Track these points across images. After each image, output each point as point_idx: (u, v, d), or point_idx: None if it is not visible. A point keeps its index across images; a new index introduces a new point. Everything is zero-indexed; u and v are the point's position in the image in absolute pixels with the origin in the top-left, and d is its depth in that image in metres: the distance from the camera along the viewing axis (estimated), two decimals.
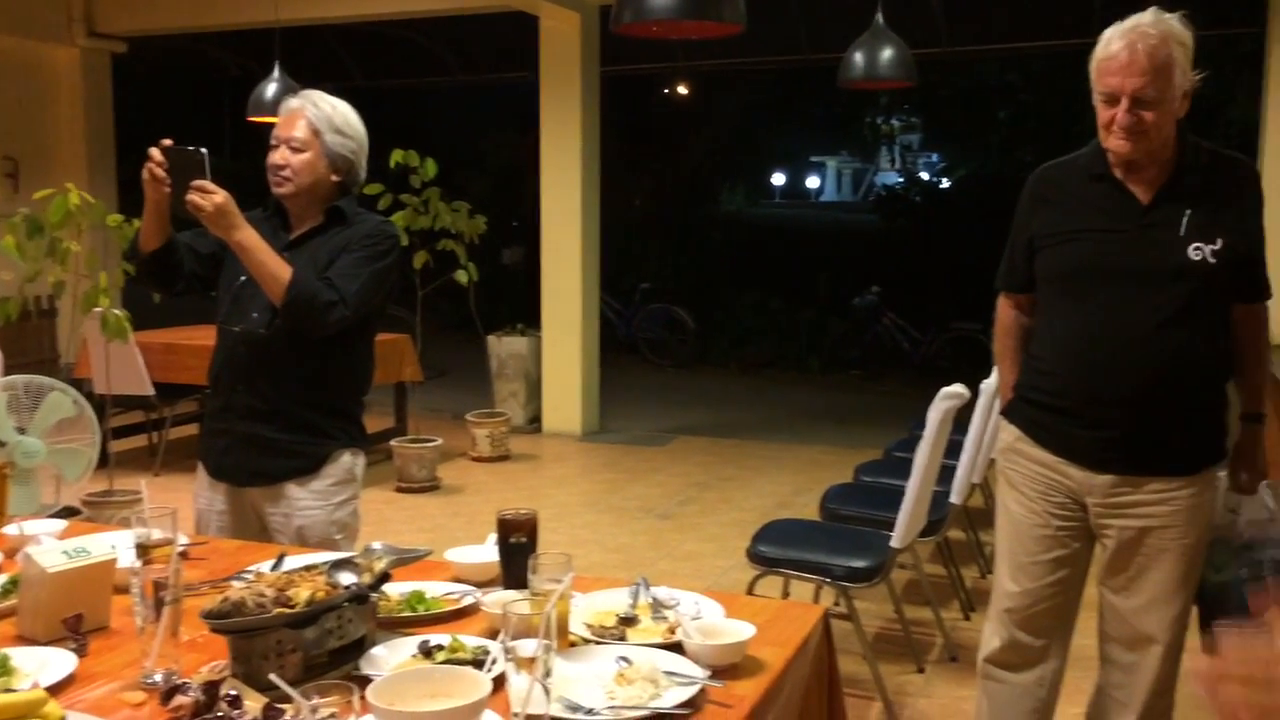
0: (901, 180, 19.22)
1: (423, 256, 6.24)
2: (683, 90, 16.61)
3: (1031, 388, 2.55)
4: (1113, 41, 2.28)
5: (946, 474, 3.90)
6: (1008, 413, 2.63)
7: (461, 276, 6.27)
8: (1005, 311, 2.68)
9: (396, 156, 6.05)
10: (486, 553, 2.12)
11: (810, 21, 8.01)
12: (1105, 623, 2.57)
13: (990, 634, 2.68)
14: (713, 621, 1.83)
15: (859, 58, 5.41)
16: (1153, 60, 2.23)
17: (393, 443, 6.38)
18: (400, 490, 6.15)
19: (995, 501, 2.71)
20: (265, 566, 2.06)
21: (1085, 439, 2.44)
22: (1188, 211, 2.34)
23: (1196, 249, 2.32)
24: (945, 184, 18.95)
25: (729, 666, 1.69)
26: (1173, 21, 2.28)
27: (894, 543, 3.34)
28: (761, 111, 18.74)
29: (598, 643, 1.79)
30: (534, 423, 7.73)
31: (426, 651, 1.70)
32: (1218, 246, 2.32)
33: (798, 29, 8.10)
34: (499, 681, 1.52)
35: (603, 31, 7.35)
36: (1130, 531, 2.44)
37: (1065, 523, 2.51)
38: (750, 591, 3.40)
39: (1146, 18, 2.28)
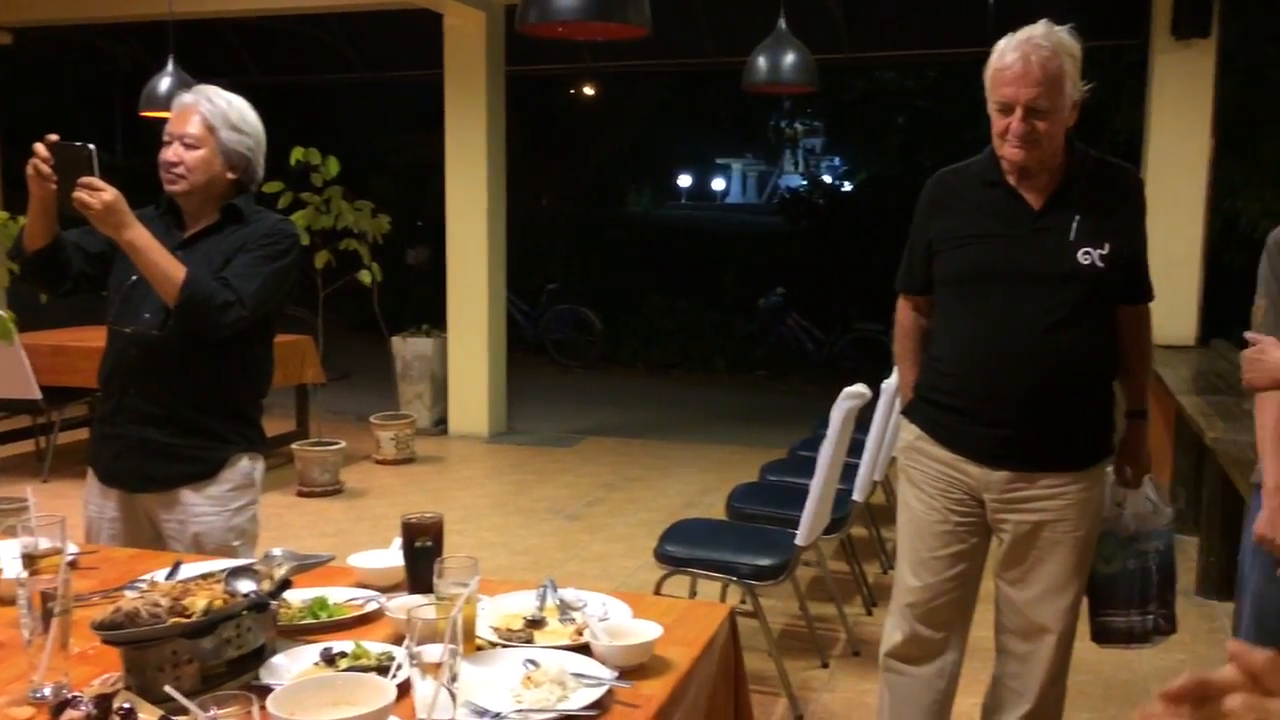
0: (805, 183, 19.53)
1: (324, 256, 6.13)
2: (589, 91, 16.61)
3: (931, 388, 2.62)
4: (1007, 53, 2.35)
5: (849, 472, 3.97)
6: (908, 412, 2.69)
7: (365, 276, 6.17)
8: (905, 313, 2.74)
9: (297, 154, 5.93)
10: (391, 557, 2.10)
11: (715, 25, 8.08)
12: (1001, 614, 2.65)
13: (892, 628, 2.74)
14: (620, 622, 1.84)
15: (762, 62, 5.48)
16: (1045, 71, 2.30)
17: (294, 446, 6.25)
18: (302, 494, 6.02)
19: (896, 499, 2.77)
20: (160, 575, 1.99)
21: (982, 437, 2.51)
22: (1077, 217, 2.43)
23: (1085, 253, 2.41)
24: (847, 187, 19.32)
25: (636, 667, 1.70)
26: (1063, 34, 2.36)
27: (798, 541, 3.39)
28: (668, 113, 18.84)
29: (505, 646, 1.78)
30: (440, 424, 7.65)
31: (329, 659, 1.67)
32: (1105, 251, 2.41)
33: (702, 32, 8.16)
34: (404, 688, 1.50)
35: (508, 31, 7.31)
36: (1025, 526, 2.52)
37: (964, 518, 2.58)
38: (658, 591, 3.41)
39: (1038, 30, 2.35)
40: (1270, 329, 2.32)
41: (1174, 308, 6.07)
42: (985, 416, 2.49)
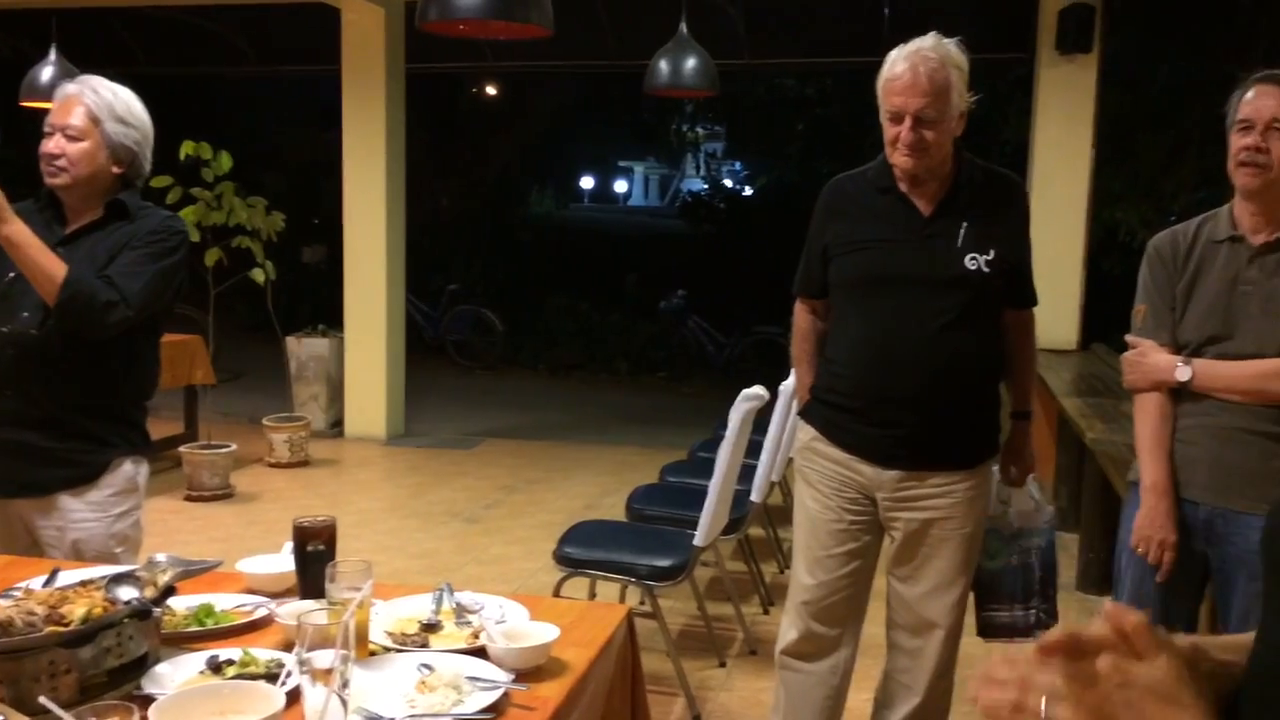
0: (706, 187, 19.70)
1: (215, 254, 5.96)
2: (492, 91, 16.50)
3: (826, 389, 2.67)
4: (897, 63, 2.42)
5: (747, 473, 4.02)
6: (805, 413, 2.74)
7: (258, 275, 6.02)
8: (802, 316, 2.79)
9: (187, 148, 5.76)
10: (281, 562, 2.05)
11: (617, 28, 8.10)
12: (893, 610, 2.72)
13: (788, 626, 2.78)
14: (517, 625, 1.83)
15: (664, 65, 5.52)
16: (933, 82, 2.37)
17: (182, 449, 6.06)
18: (190, 499, 5.85)
19: (794, 499, 2.82)
20: (36, 583, 1.91)
21: (875, 437, 2.57)
22: (964, 224, 2.50)
23: (972, 259, 2.48)
24: (748, 192, 19.56)
25: (533, 669, 1.69)
26: (950, 46, 2.44)
27: (697, 541, 3.42)
28: (571, 115, 18.83)
29: (399, 651, 1.76)
30: (336, 427, 7.51)
31: (215, 667, 1.63)
32: (990, 257, 2.49)
33: (605, 35, 8.17)
34: (294, 695, 1.47)
35: (408, 28, 7.21)
36: (915, 523, 2.59)
37: (857, 517, 2.64)
38: (557, 593, 3.40)
39: (927, 42, 2.42)
40: (1150, 332, 2.43)
41: (1057, 313, 6.29)
42: (878, 417, 2.56)
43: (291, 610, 1.78)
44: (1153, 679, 0.69)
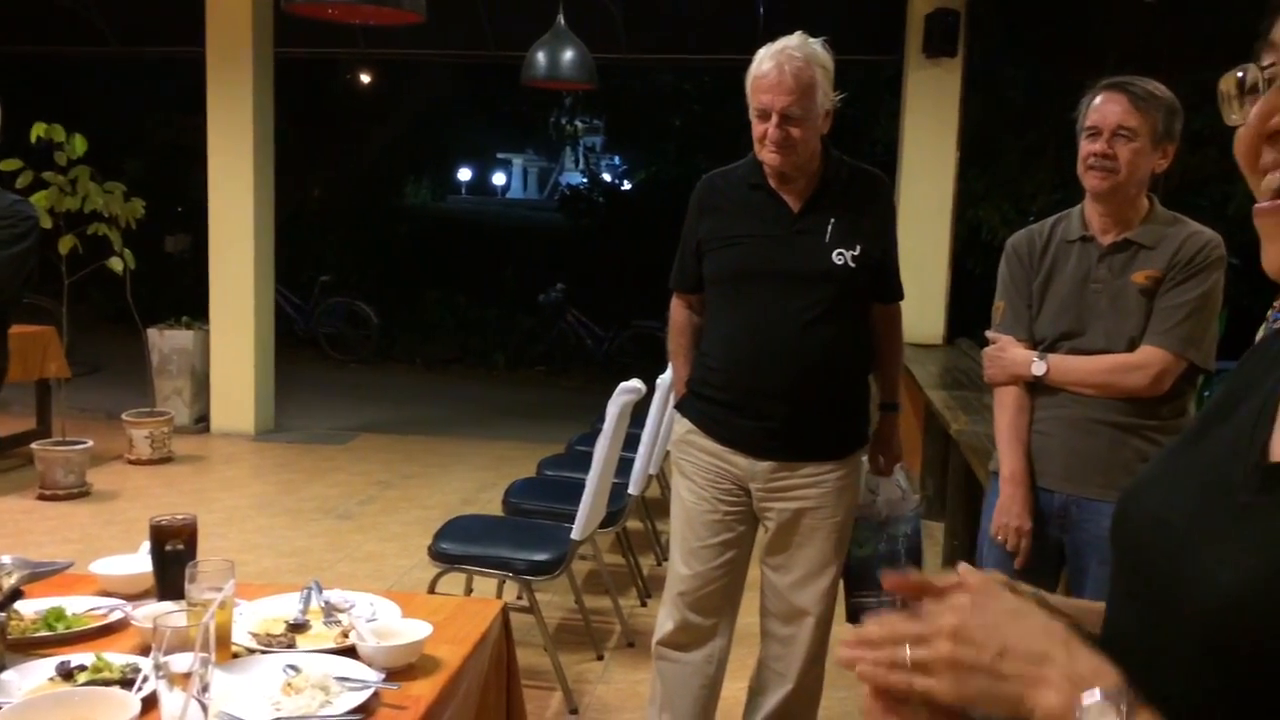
0: (585, 181, 19.68)
1: (69, 241, 5.67)
2: (366, 78, 16.13)
3: (701, 382, 2.70)
4: (764, 62, 2.47)
5: (625, 466, 4.03)
6: (681, 406, 2.76)
7: (116, 264, 5.76)
8: (678, 311, 2.82)
9: (38, 130, 5.46)
10: (138, 563, 1.97)
11: (495, 18, 8.02)
12: (766, 599, 2.76)
13: (664, 617, 2.80)
14: (388, 623, 1.80)
15: (541, 57, 5.49)
16: (798, 80, 2.43)
17: (34, 446, 5.76)
18: (43, 498, 5.56)
19: (670, 491, 2.83)
20: None
21: (748, 429, 2.61)
22: (831, 220, 2.57)
23: (839, 254, 2.55)
24: (627, 186, 19.61)
25: (404, 667, 1.66)
26: (816, 46, 2.50)
27: (574, 535, 3.41)
28: (448, 105, 18.55)
29: (264, 652, 1.70)
30: (201, 422, 7.24)
31: (66, 673, 1.55)
32: (857, 252, 2.56)
33: (482, 25, 8.08)
34: (150, 702, 1.41)
35: (277, 11, 6.99)
36: (788, 513, 2.64)
37: (732, 508, 2.68)
38: (432, 590, 3.36)
39: (793, 41, 2.48)
40: (1008, 328, 2.52)
41: (924, 308, 6.50)
42: (751, 409, 2.60)
43: (148, 613, 1.71)
44: (1006, 602, 0.73)
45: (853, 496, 2.72)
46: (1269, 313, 1.95)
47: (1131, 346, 2.34)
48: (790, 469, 2.61)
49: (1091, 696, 0.65)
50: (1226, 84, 0.72)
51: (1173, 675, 0.70)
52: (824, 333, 2.55)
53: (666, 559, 4.84)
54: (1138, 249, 2.36)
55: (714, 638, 2.78)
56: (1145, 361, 2.32)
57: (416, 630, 1.72)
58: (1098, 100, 2.35)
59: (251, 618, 1.82)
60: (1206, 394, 3.05)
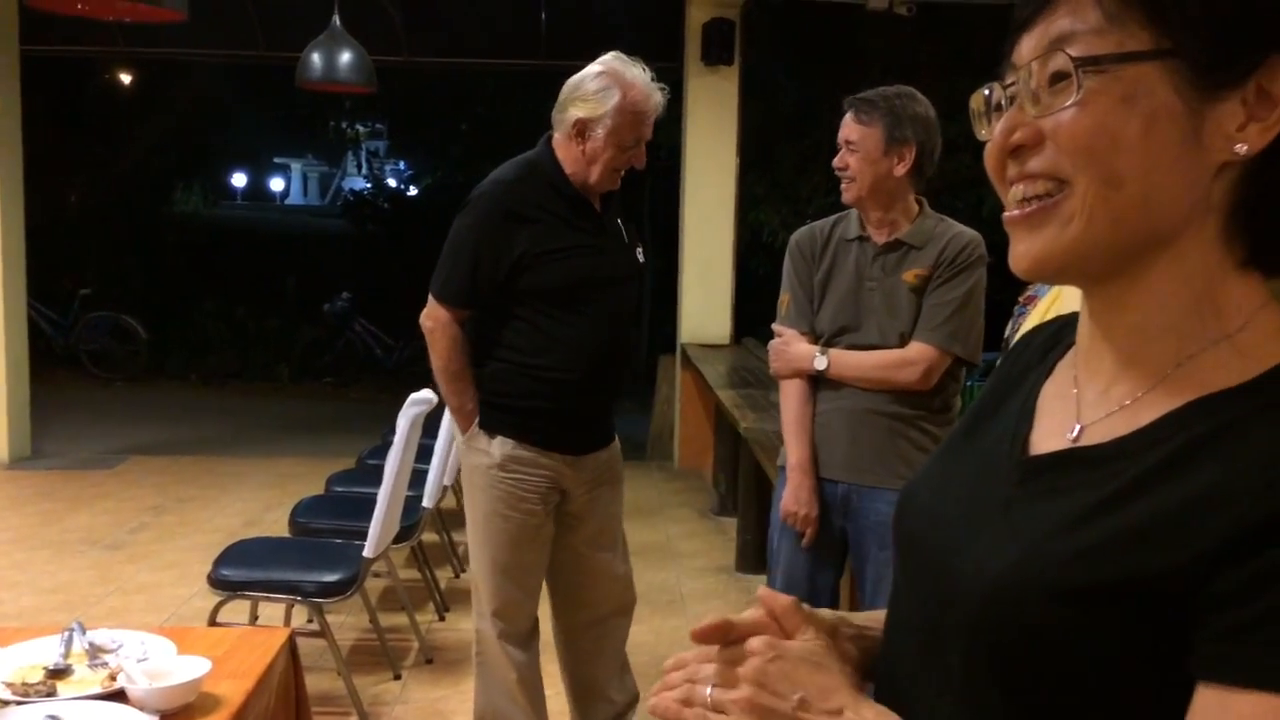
0: (370, 186, 19.17)
1: None
2: (126, 78, 15.15)
3: (526, 394, 2.66)
4: (652, 93, 2.64)
5: (419, 478, 3.94)
6: (495, 427, 2.68)
7: None
8: (451, 328, 2.66)
9: None
10: None
11: (266, 18, 7.69)
12: (600, 585, 2.86)
13: (486, 630, 2.75)
14: (161, 662, 1.68)
15: (316, 59, 5.29)
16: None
17: None
18: None
19: (477, 509, 2.74)
20: None
21: (576, 430, 2.72)
22: (618, 221, 2.74)
23: (639, 253, 2.76)
24: (413, 192, 19.23)
25: (181, 708, 1.56)
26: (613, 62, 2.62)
27: (366, 552, 3.30)
28: (219, 107, 17.68)
29: (20, 703, 1.56)
30: None
31: None
32: (640, 249, 2.80)
33: (253, 24, 7.73)
34: None
35: (21, 6, 6.46)
36: (601, 498, 2.78)
37: (547, 514, 2.72)
38: (214, 621, 3.18)
39: (641, 67, 2.64)
40: (792, 321, 2.62)
41: (710, 309, 6.68)
42: (584, 411, 2.72)
43: None
44: (804, 649, 0.75)
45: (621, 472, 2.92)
46: (1015, 307, 2.11)
47: (903, 342, 2.47)
48: (595, 459, 2.75)
49: None
50: (976, 102, 0.77)
51: (950, 667, 0.73)
52: (628, 330, 2.79)
53: (465, 570, 4.77)
54: (908, 249, 2.50)
55: (533, 642, 2.83)
56: (916, 357, 2.45)
57: (193, 668, 1.62)
58: (846, 115, 2.53)
59: (5, 666, 1.66)
60: (970, 383, 3.26)
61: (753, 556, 4.88)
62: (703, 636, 0.77)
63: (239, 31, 7.76)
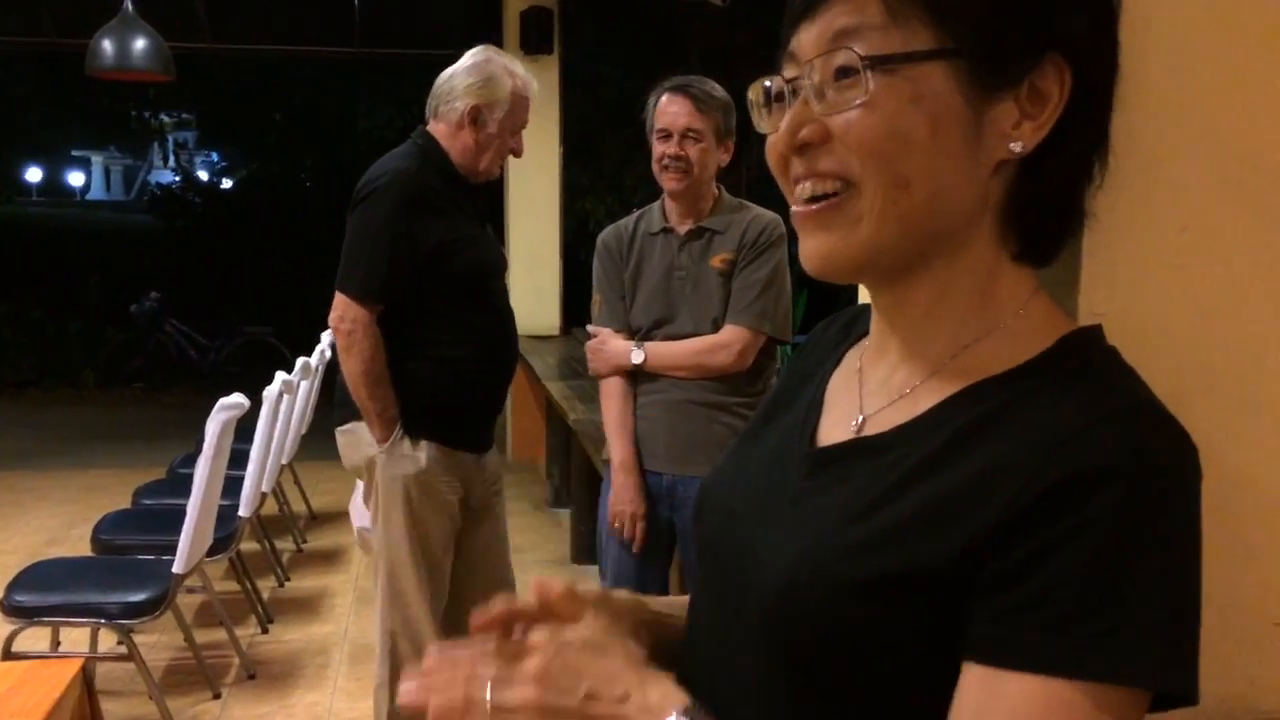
0: (178, 179, 18.26)
1: None
2: None
3: (450, 391, 2.58)
4: (531, 82, 2.69)
5: (234, 486, 3.76)
6: (419, 431, 2.57)
7: None
8: (372, 328, 2.51)
9: None
10: None
11: (54, 2, 7.19)
12: (497, 577, 2.84)
13: (413, 637, 2.64)
14: None
15: (108, 45, 4.97)
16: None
17: None
18: None
19: (394, 523, 2.61)
20: None
21: (485, 425, 2.73)
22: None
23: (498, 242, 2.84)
24: (227, 184, 18.43)
25: None
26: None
27: (176, 568, 3.13)
28: (8, 98, 16.50)
29: None
30: None
31: None
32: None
33: (40, 9, 7.21)
34: None
35: None
36: (496, 497, 2.81)
37: (455, 514, 2.68)
38: (8, 651, 2.95)
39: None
40: (606, 320, 2.62)
41: (540, 300, 6.63)
42: (492, 406, 2.74)
43: None
44: (583, 636, 0.71)
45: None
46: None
47: (716, 327, 2.50)
48: (492, 452, 2.78)
49: None
50: (755, 93, 0.75)
51: (745, 663, 0.72)
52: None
53: (289, 579, 4.59)
54: (712, 235, 2.53)
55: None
56: (729, 340, 2.48)
57: None
58: (663, 101, 2.51)
59: None
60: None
61: (588, 548, 4.87)
62: (486, 627, 0.73)
63: (24, 17, 7.24)
